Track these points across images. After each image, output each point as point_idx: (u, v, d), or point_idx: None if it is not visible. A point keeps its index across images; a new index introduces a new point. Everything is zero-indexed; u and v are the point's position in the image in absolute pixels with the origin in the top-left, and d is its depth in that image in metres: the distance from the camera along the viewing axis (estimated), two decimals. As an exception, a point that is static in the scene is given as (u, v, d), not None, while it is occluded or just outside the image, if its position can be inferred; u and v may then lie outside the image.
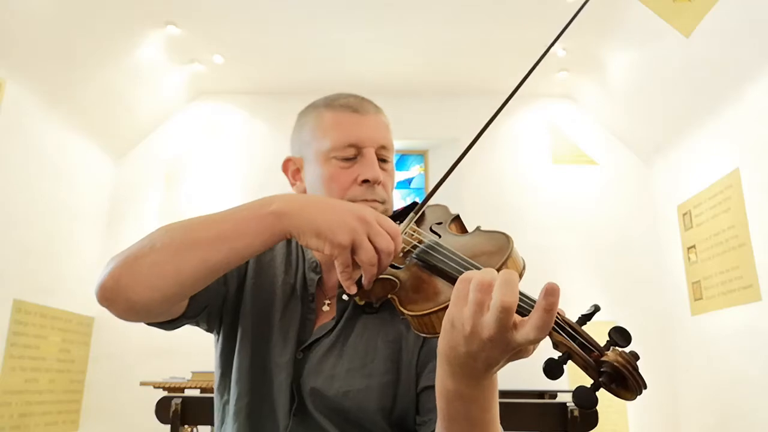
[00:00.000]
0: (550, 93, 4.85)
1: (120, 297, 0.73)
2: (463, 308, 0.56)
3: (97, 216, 4.51)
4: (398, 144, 5.08)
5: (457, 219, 0.92)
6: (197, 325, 0.94)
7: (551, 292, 0.50)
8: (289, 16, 3.94)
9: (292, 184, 1.00)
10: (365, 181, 0.91)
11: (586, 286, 4.43)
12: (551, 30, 4.50)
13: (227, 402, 0.93)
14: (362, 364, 0.87)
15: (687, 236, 4.14)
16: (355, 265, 0.74)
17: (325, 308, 0.94)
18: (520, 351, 0.56)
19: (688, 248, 4.11)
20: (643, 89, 4.24)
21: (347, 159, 0.92)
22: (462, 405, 0.63)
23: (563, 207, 4.66)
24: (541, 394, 3.26)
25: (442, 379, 0.63)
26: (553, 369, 0.52)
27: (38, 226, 3.75)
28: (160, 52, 4.22)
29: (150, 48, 4.12)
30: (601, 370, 0.52)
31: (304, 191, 0.97)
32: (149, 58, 4.20)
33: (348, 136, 0.92)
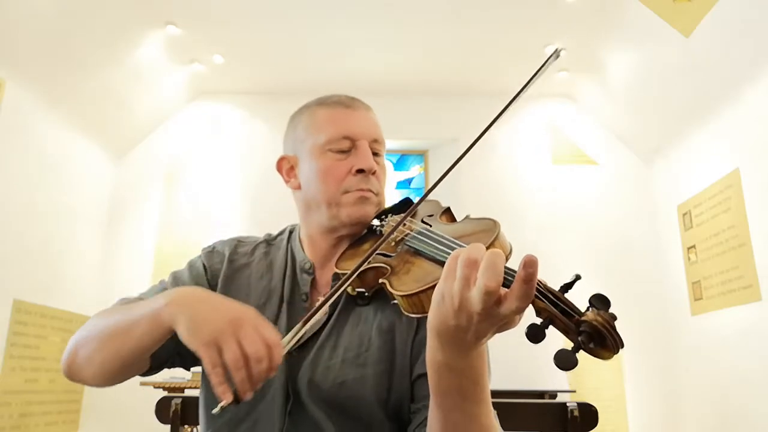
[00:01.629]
0: (550, 93, 4.85)
1: (77, 377, 0.87)
2: (453, 283, 0.58)
3: (97, 216, 4.51)
4: (398, 144, 5.08)
5: (447, 211, 0.96)
6: (172, 367, 0.98)
7: (530, 264, 0.53)
8: (289, 16, 3.94)
9: (286, 182, 1.03)
10: (360, 171, 0.94)
11: (585, 286, 4.40)
12: (551, 30, 4.52)
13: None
14: (357, 354, 0.88)
15: (687, 236, 4.14)
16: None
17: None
18: (507, 322, 0.58)
19: (688, 248, 4.11)
20: (643, 89, 4.24)
21: (342, 151, 0.96)
22: (453, 377, 0.65)
23: (563, 207, 4.66)
24: (541, 394, 3.27)
25: (432, 353, 0.65)
26: (535, 333, 0.55)
27: (38, 226, 3.75)
28: (160, 52, 4.22)
29: (150, 48, 4.12)
30: (580, 329, 0.54)
31: (299, 187, 1.00)
32: (149, 58, 4.20)
33: (342, 129, 0.96)
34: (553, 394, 3.28)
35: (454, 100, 4.90)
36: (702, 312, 3.93)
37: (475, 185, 4.68)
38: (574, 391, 4.01)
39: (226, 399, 0.67)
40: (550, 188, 4.72)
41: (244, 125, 4.91)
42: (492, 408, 0.72)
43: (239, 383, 0.68)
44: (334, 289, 0.80)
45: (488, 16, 3.94)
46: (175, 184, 4.73)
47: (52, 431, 3.83)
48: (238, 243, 1.06)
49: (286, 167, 1.03)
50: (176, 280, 1.01)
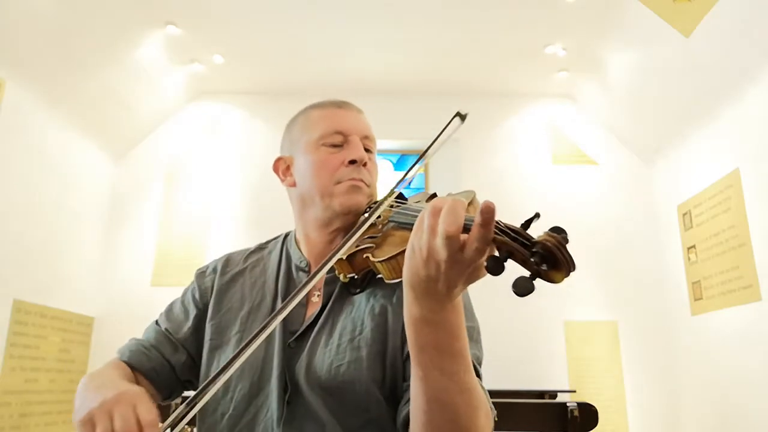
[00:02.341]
0: (550, 93, 4.85)
1: None
2: (422, 236, 0.61)
3: (97, 216, 4.51)
4: (398, 144, 5.07)
5: (433, 196, 1.01)
6: (185, 391, 1.04)
7: (486, 211, 0.56)
8: (289, 16, 3.94)
9: (282, 180, 1.09)
10: (352, 162, 1.00)
11: (585, 286, 4.43)
12: (551, 30, 4.51)
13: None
14: (351, 338, 0.91)
15: (687, 236, 4.14)
16: None
17: (315, 299, 1.00)
18: (474, 270, 0.61)
19: (688, 248, 4.11)
20: (643, 89, 4.24)
21: (335, 145, 1.02)
22: (430, 331, 0.66)
23: (563, 207, 4.66)
24: (541, 394, 3.27)
25: (408, 308, 0.67)
26: (494, 266, 0.57)
27: (38, 226, 3.75)
28: (160, 52, 4.22)
29: (150, 48, 4.12)
30: (533, 251, 0.56)
31: (294, 184, 1.06)
32: (149, 58, 4.20)
33: (335, 124, 1.03)
34: (553, 394, 3.29)
35: (454, 100, 4.90)
36: (702, 312, 3.93)
37: (475, 185, 4.66)
38: (574, 391, 4.01)
39: None
40: (550, 188, 4.72)
41: (244, 125, 4.91)
42: (473, 368, 0.72)
43: None
44: (310, 276, 0.83)
45: (488, 16, 3.94)
46: (175, 184, 4.73)
47: (52, 431, 3.82)
48: (230, 256, 1.13)
49: (282, 167, 1.08)
50: (168, 314, 1.08)
